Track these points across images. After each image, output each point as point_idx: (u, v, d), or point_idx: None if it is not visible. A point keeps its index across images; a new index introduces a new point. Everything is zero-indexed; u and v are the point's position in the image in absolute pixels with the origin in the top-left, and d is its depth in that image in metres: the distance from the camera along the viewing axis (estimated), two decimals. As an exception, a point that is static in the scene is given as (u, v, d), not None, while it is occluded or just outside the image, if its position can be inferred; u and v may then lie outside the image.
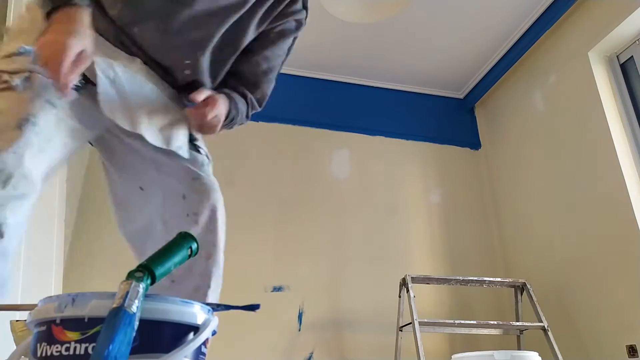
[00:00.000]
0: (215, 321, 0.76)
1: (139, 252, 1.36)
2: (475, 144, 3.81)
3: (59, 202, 2.09)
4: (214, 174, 1.31)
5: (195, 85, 1.24)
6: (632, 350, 2.39)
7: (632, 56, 2.75)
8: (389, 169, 3.52)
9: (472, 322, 2.70)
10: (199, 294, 1.22)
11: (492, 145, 3.70)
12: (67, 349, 0.65)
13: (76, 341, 0.65)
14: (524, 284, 2.82)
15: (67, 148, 1.10)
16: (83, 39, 0.95)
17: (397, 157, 3.58)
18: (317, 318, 2.97)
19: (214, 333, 0.75)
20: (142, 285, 0.66)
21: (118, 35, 1.14)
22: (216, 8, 1.14)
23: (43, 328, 0.68)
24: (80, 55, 0.94)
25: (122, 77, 1.10)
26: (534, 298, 2.74)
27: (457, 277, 2.82)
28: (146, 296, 0.67)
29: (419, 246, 3.34)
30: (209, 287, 1.24)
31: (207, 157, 1.31)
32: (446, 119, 3.83)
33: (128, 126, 1.11)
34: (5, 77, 1.00)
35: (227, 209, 1.32)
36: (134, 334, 0.62)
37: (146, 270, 0.69)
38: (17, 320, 1.01)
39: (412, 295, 2.59)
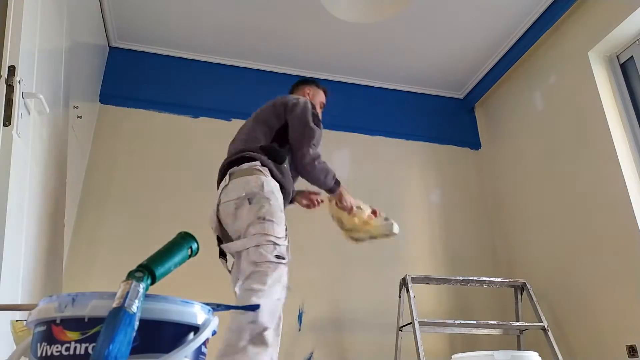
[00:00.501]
0: (215, 321, 0.76)
1: None
2: (475, 144, 3.81)
3: (59, 202, 2.09)
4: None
5: None
6: (632, 350, 2.39)
7: (632, 56, 2.75)
8: (389, 169, 3.52)
9: (472, 322, 2.70)
10: None
11: (492, 145, 3.70)
12: (67, 349, 0.65)
13: (76, 341, 0.65)
14: (524, 284, 2.82)
15: None
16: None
17: (397, 157, 3.58)
18: (317, 318, 2.97)
19: (214, 333, 0.75)
20: (142, 285, 0.66)
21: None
22: None
23: (43, 328, 0.68)
24: None
25: None
26: (534, 298, 2.74)
27: (457, 277, 2.82)
28: (146, 296, 0.67)
29: (419, 246, 3.34)
30: None
31: None
32: (446, 119, 3.83)
33: None
34: None
35: (227, 209, 1.32)
36: (134, 333, 0.62)
37: (146, 270, 0.69)
38: (17, 320, 1.01)
39: (412, 295, 2.59)
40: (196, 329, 0.72)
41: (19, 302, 1.48)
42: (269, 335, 1.46)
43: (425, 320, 2.57)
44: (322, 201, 2.26)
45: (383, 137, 3.61)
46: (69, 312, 0.66)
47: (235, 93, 3.45)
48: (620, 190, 2.54)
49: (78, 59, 2.53)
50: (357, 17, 3.11)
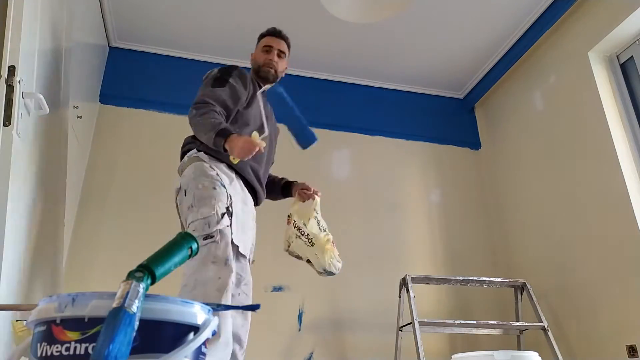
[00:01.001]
0: (215, 321, 0.76)
1: None
2: (475, 144, 3.81)
3: (59, 201, 2.09)
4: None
5: None
6: (632, 350, 2.39)
7: (632, 56, 2.75)
8: (389, 168, 3.52)
9: (472, 322, 2.70)
10: None
11: (492, 145, 3.70)
12: (67, 349, 0.65)
13: (76, 341, 0.65)
14: (524, 284, 2.82)
15: None
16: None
17: (397, 157, 3.58)
18: (317, 318, 2.96)
19: (214, 333, 0.75)
20: (142, 285, 0.66)
21: None
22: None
23: (43, 328, 0.68)
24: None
25: None
26: (534, 298, 2.74)
27: (457, 277, 2.82)
28: (146, 296, 0.67)
29: (419, 246, 3.34)
30: None
31: None
32: (446, 119, 3.83)
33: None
34: None
35: (227, 209, 1.32)
36: (134, 334, 0.62)
37: (146, 270, 0.69)
38: (17, 320, 1.01)
39: (412, 295, 2.59)
40: (196, 329, 0.72)
41: (19, 302, 1.48)
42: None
43: (425, 320, 2.57)
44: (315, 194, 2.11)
45: (383, 137, 3.61)
46: (69, 312, 0.66)
47: (235, 93, 3.45)
48: (620, 190, 2.54)
49: (78, 59, 2.53)
50: (357, 17, 3.11)
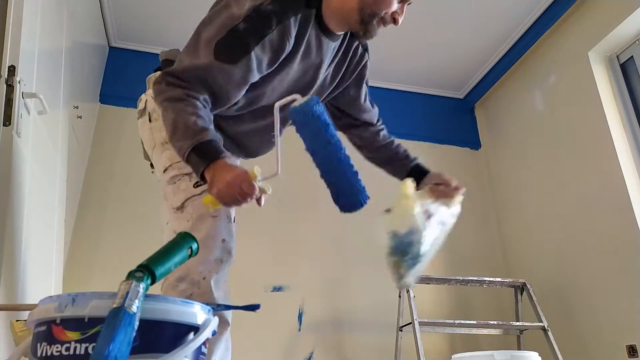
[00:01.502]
0: (215, 321, 0.76)
1: None
2: (475, 144, 3.81)
3: (59, 202, 2.09)
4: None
5: None
6: (632, 350, 2.39)
7: (632, 56, 2.75)
8: (389, 169, 3.51)
9: (472, 322, 2.70)
10: None
11: (492, 145, 3.70)
12: (67, 349, 0.65)
13: (76, 341, 0.65)
14: (524, 284, 2.82)
15: None
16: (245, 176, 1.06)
17: (397, 157, 3.57)
18: (317, 318, 2.96)
19: (214, 333, 0.75)
20: (142, 285, 0.66)
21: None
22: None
23: (43, 328, 0.68)
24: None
25: None
26: (534, 298, 2.74)
27: (457, 277, 2.82)
28: (146, 296, 0.67)
29: (419, 246, 3.33)
30: None
31: None
32: (446, 119, 3.83)
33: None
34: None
35: (227, 209, 1.32)
36: (134, 333, 0.62)
37: (146, 270, 0.69)
38: (17, 320, 1.01)
39: (412, 295, 2.59)
40: (196, 329, 0.72)
41: (19, 302, 1.48)
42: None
43: (425, 320, 2.57)
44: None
45: (383, 137, 3.60)
46: (69, 312, 0.66)
47: (235, 93, 3.45)
48: (620, 190, 2.54)
49: (78, 59, 2.53)
50: (357, 17, 3.11)
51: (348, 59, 1.50)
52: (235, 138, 1.40)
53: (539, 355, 2.22)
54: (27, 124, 1.61)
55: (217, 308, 0.84)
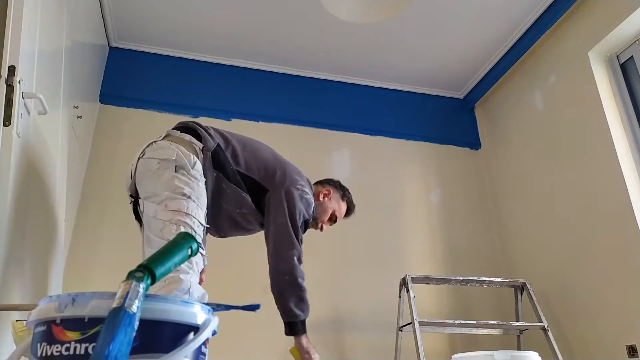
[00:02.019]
0: (215, 321, 0.76)
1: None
2: (475, 144, 3.81)
3: (59, 201, 2.09)
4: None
5: None
6: (632, 350, 2.39)
7: (632, 56, 2.75)
8: (389, 169, 3.52)
9: (472, 322, 2.70)
10: None
11: (492, 145, 3.70)
12: (67, 349, 0.65)
13: (76, 341, 0.65)
14: (524, 284, 2.82)
15: None
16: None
17: (397, 157, 3.58)
18: (317, 318, 2.96)
19: (214, 333, 0.75)
20: (142, 285, 0.66)
21: None
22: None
23: (43, 328, 0.68)
24: None
25: None
26: (534, 298, 2.74)
27: (457, 277, 2.82)
28: (146, 296, 0.67)
29: (419, 246, 3.34)
30: None
31: None
32: (446, 119, 3.83)
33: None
34: None
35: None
36: (134, 333, 0.62)
37: (146, 270, 0.69)
38: (17, 320, 1.01)
39: (412, 295, 2.59)
40: (196, 329, 0.72)
41: (19, 302, 1.48)
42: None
43: (425, 320, 2.57)
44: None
45: (383, 137, 3.61)
46: (69, 312, 0.66)
47: (235, 93, 3.45)
48: (620, 190, 2.54)
49: (78, 59, 2.53)
50: (357, 17, 3.11)
51: None
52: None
53: (539, 355, 2.22)
54: (27, 124, 1.61)
55: (217, 308, 0.84)
